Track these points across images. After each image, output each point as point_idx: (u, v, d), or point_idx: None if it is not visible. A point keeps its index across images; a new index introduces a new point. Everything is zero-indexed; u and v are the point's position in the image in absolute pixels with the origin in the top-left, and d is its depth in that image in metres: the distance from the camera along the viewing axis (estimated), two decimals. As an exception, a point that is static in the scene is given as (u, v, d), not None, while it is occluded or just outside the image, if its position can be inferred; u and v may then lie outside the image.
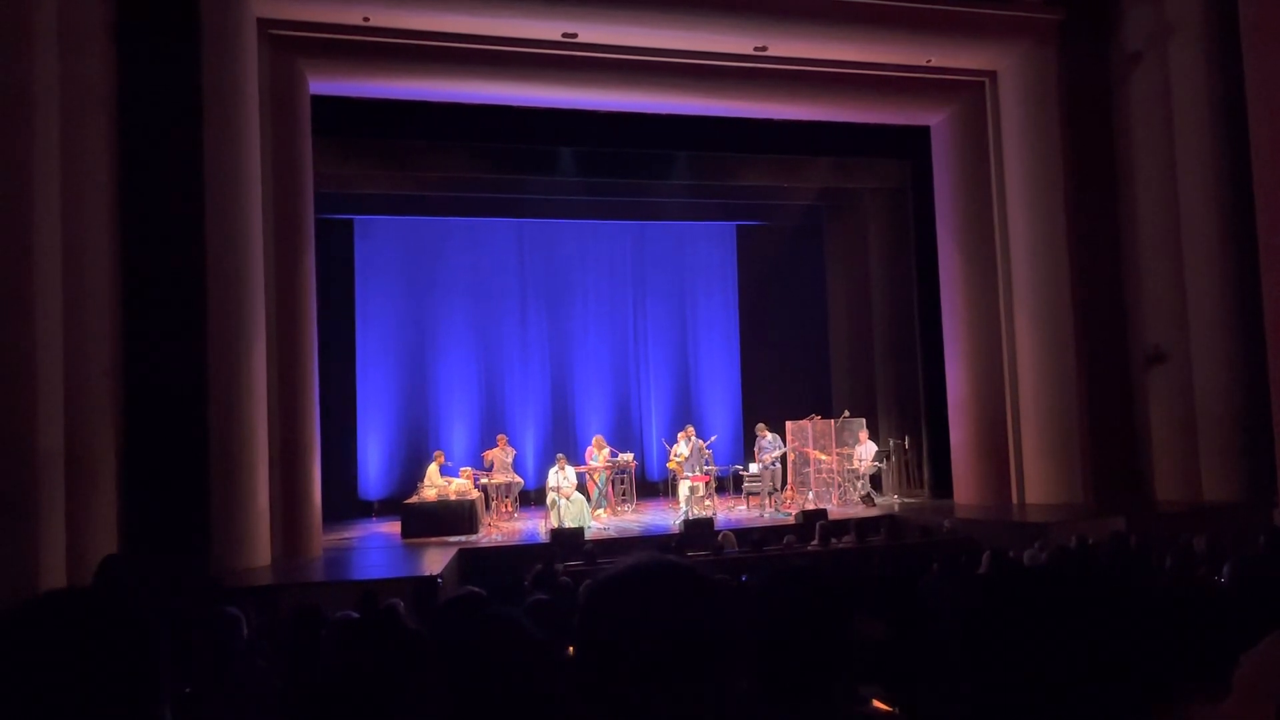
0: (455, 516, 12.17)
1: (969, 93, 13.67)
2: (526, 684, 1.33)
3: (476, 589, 2.98)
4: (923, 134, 14.63)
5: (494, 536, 12.32)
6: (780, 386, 17.39)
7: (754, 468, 14.25)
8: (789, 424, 14.96)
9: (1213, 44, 11.70)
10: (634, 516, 14.02)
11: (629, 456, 14.45)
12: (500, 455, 13.77)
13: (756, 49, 12.30)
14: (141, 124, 9.24)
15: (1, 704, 1.05)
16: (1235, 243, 11.48)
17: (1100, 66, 13.05)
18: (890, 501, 14.49)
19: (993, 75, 13.47)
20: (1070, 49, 12.79)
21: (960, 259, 13.93)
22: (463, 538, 11.76)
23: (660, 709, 1.06)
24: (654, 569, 1.18)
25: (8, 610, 1.14)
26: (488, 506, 13.16)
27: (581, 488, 13.26)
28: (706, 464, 13.86)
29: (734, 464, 15.36)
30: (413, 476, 14.49)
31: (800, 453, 14.90)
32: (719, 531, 11.07)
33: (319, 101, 11.96)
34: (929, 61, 12.99)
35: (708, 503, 13.68)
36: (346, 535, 13.24)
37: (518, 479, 14.07)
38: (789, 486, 14.76)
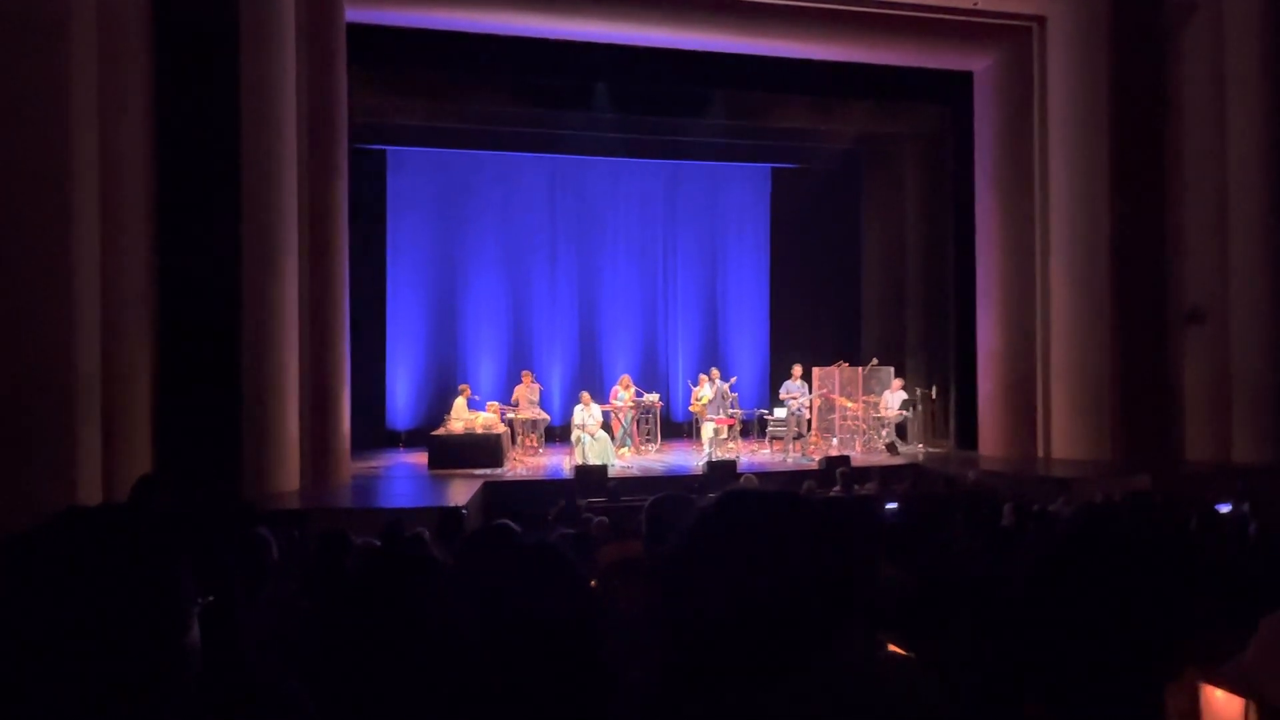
0: (481, 449, 12.32)
1: (1016, 38, 13.32)
2: (565, 612, 1.33)
3: (509, 522, 3.02)
4: (964, 80, 14.31)
5: (519, 471, 12.46)
6: (809, 331, 17.32)
7: (779, 412, 14.19)
8: (816, 370, 14.92)
9: (1272, -7, 11.32)
10: (658, 456, 14.12)
11: (654, 397, 14.50)
12: (526, 392, 13.85)
13: (799, -14, 12.05)
14: (177, 48, 9.18)
15: (26, 619, 1.06)
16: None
17: (1152, 14, 12.64)
18: (915, 451, 14.46)
19: (1041, 20, 13.10)
20: (1123, -6, 12.40)
21: (998, 209, 13.71)
22: (488, 470, 11.91)
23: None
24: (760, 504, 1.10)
25: (33, 526, 1.15)
26: (513, 441, 13.29)
27: (606, 426, 13.33)
28: (731, 407, 13.88)
29: (759, 408, 15.36)
30: (440, 408, 14.63)
31: (826, 399, 14.88)
32: (741, 474, 11.12)
33: (354, 30, 11.86)
34: (976, 3, 12.65)
35: (731, 445, 13.74)
36: (374, 464, 13.44)
37: (543, 415, 14.16)
38: (813, 432, 14.77)
